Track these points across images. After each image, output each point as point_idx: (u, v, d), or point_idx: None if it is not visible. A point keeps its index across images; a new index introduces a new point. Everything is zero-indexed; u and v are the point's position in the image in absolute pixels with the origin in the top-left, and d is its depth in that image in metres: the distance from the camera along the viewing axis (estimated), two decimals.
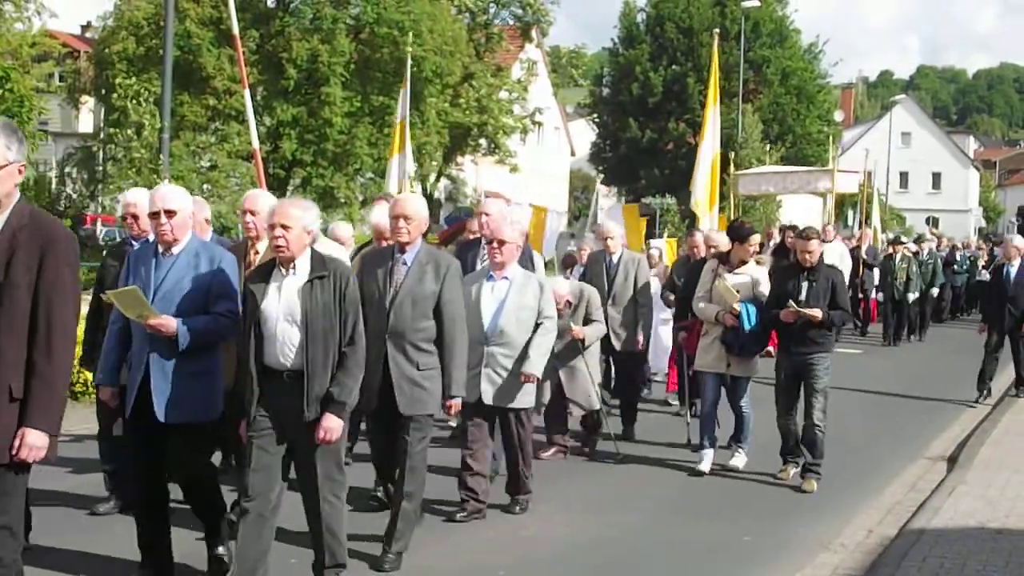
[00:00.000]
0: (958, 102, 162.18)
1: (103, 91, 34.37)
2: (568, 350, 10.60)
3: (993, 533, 8.41)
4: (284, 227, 6.41)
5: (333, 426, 6.45)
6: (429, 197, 43.65)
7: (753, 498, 9.71)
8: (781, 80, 53.21)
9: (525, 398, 8.74)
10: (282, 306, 6.45)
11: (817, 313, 9.99)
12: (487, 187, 38.98)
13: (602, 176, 55.47)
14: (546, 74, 53.33)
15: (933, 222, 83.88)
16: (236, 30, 13.56)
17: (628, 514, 9.13)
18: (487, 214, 10.01)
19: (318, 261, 6.56)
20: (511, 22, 44.52)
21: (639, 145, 51.55)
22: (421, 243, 7.70)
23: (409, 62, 18.22)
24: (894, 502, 9.85)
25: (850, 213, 69.07)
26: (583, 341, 10.63)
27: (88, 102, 40.82)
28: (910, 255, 23.80)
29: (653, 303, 12.84)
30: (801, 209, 38.72)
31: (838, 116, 61.59)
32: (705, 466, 10.58)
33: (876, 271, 24.55)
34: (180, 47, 28.80)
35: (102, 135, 34.90)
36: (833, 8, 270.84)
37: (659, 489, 10.00)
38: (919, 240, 27.86)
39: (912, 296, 23.30)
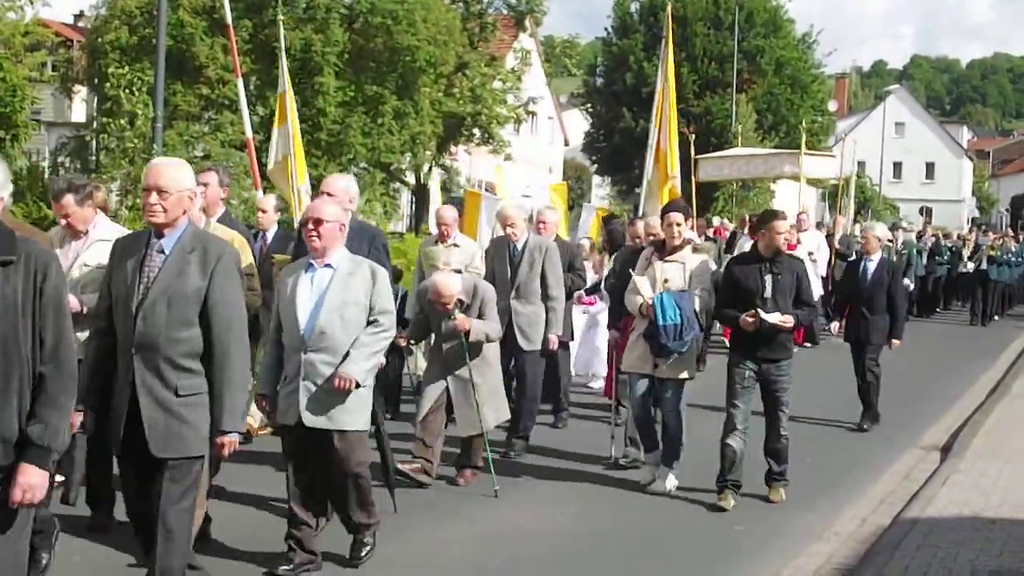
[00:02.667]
0: (952, 92, 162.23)
1: (96, 80, 34.24)
2: (454, 356, 9.34)
3: (987, 522, 8.43)
4: None
5: (34, 483, 4.43)
6: (423, 187, 43.62)
7: (746, 487, 9.73)
8: (775, 70, 53.15)
9: (354, 417, 6.99)
10: None
11: (787, 321, 9.05)
12: (481, 178, 38.93)
13: (595, 166, 55.44)
14: (540, 64, 53.19)
15: (927, 212, 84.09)
16: (229, 19, 13.51)
17: (621, 506, 9.14)
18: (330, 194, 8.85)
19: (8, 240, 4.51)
20: (505, 12, 44.39)
21: (633, 135, 51.40)
22: (187, 225, 5.89)
23: (281, 31, 16.86)
24: (887, 492, 9.88)
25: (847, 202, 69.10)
26: (467, 334, 9.23)
27: (81, 91, 40.66)
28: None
29: (565, 294, 11.40)
30: (795, 197, 38.57)
31: (832, 106, 61.57)
32: (662, 484, 9.50)
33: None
34: (173, 36, 28.69)
35: (95, 124, 34.78)
36: None
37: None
38: (893, 228, 26.60)
39: None
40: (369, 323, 6.99)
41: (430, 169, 41.46)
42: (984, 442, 11.66)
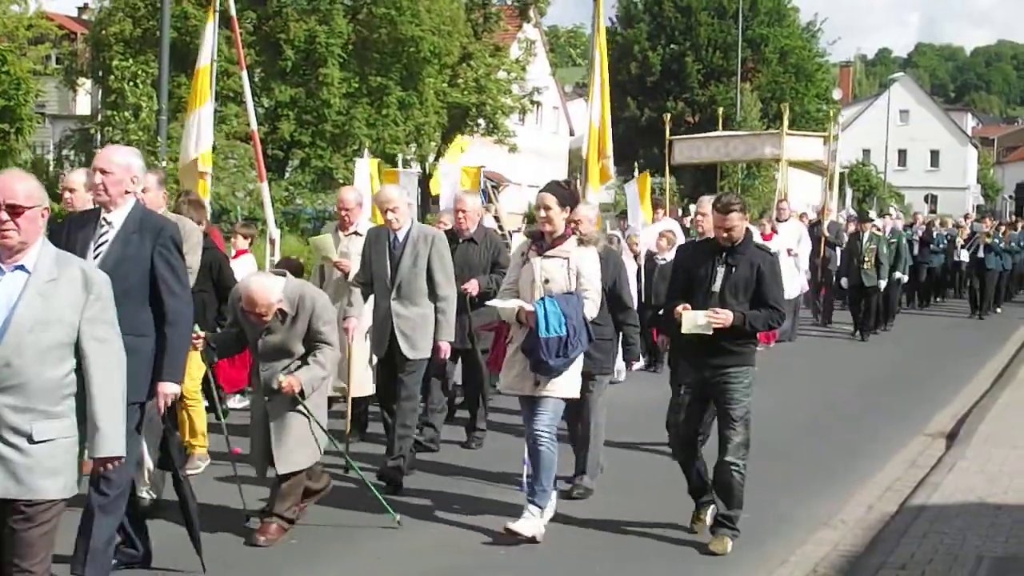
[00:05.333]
0: (956, 79, 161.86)
1: (100, 73, 34.34)
2: (281, 397, 7.50)
3: (993, 508, 8.44)
4: None
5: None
6: (428, 176, 43.62)
7: (753, 475, 9.72)
8: (779, 59, 53.16)
9: (50, 483, 4.78)
10: None
11: (725, 318, 7.40)
12: (488, 170, 38.89)
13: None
14: (544, 54, 53.20)
15: (931, 200, 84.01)
16: (233, 11, 13.54)
17: (625, 493, 9.13)
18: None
19: None
20: (509, 2, 44.40)
21: (638, 124, 51.46)
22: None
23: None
24: (894, 478, 9.88)
25: (849, 192, 69.09)
26: (301, 393, 7.44)
27: (85, 84, 40.74)
28: (879, 234, 20.59)
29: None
30: (801, 185, 38.43)
31: (836, 94, 61.47)
32: (525, 526, 7.63)
33: (838, 251, 21.50)
34: (177, 28, 28.69)
35: (99, 117, 34.85)
36: None
37: (656, 468, 9.91)
38: (881, 216, 25.57)
39: (883, 283, 19.97)
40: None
41: (435, 159, 41.50)
42: (990, 428, 11.66)
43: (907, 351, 18.68)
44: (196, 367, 8.62)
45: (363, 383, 10.30)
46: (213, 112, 13.49)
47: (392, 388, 9.14)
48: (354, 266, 9.76)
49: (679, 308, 7.48)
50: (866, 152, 79.13)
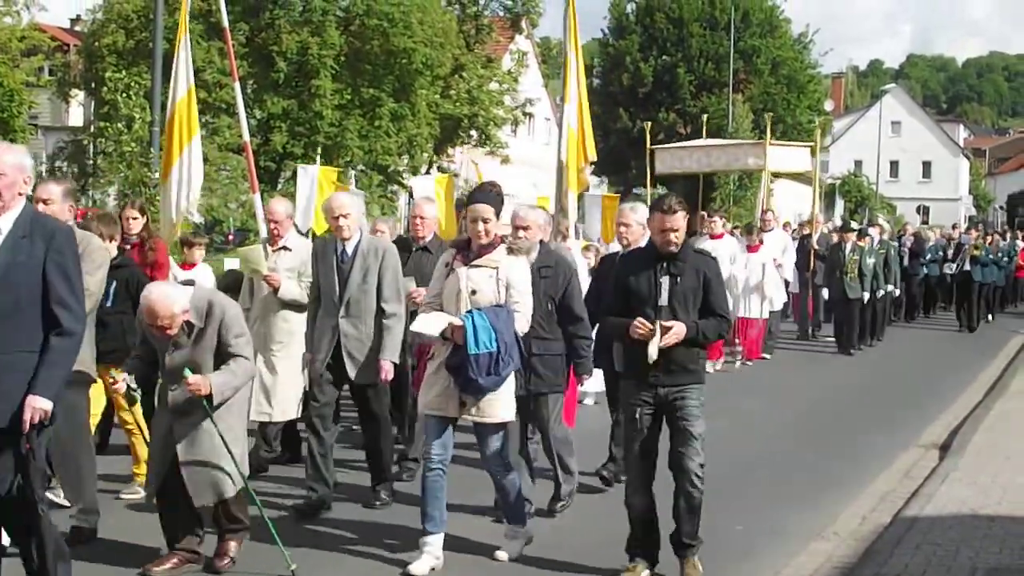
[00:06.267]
0: (948, 91, 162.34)
1: (93, 85, 34.37)
2: (188, 402, 6.78)
3: (986, 520, 8.44)
4: None
5: None
6: None
7: (746, 486, 9.72)
8: (771, 70, 53.26)
9: None
10: None
11: (679, 331, 6.80)
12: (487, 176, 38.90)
13: (593, 167, 55.50)
14: (536, 65, 53.27)
15: (924, 211, 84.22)
16: (226, 23, 13.54)
17: (622, 505, 9.11)
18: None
19: None
20: (501, 13, 44.48)
21: (630, 135, 51.52)
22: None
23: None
24: (887, 490, 9.87)
25: (840, 203, 69.21)
26: (209, 398, 6.70)
27: (78, 96, 40.78)
28: (862, 245, 19.76)
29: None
30: (793, 197, 38.46)
31: (828, 106, 61.69)
32: (418, 567, 7.09)
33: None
34: (170, 40, 28.59)
35: (92, 129, 34.90)
36: None
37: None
38: (870, 225, 24.86)
39: (867, 295, 19.43)
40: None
41: (427, 170, 41.54)
42: (983, 440, 11.67)
43: (899, 363, 18.69)
44: (96, 401, 8.19)
45: (288, 408, 9.53)
46: (201, 144, 12.13)
47: (327, 412, 8.46)
48: (283, 283, 9.28)
49: (640, 329, 6.79)
50: (858, 163, 79.38)
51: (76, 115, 48.02)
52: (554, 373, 8.28)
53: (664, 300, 6.87)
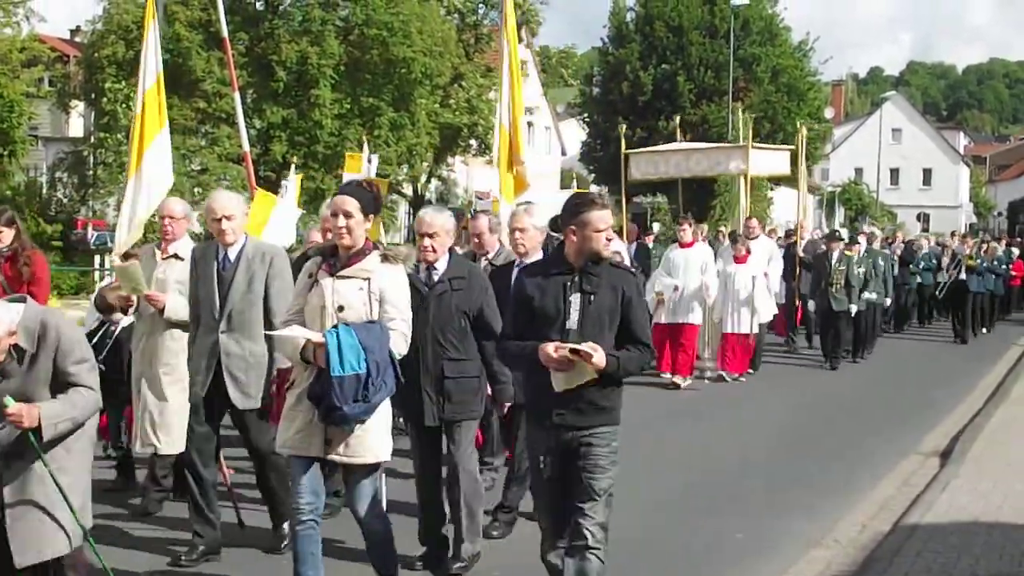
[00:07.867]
0: (948, 98, 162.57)
1: (93, 95, 34.40)
2: (17, 447, 5.38)
3: (987, 527, 8.42)
4: None
5: None
6: (420, 198, 43.69)
7: (745, 494, 9.71)
8: (771, 78, 53.24)
9: None
10: None
11: (599, 360, 5.56)
12: (478, 188, 38.97)
13: (593, 175, 55.56)
14: (536, 74, 53.36)
15: (924, 218, 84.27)
16: (225, 33, 13.54)
17: (621, 513, 9.09)
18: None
19: None
20: (500, 23, 44.64)
21: (630, 144, 51.59)
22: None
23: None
24: (887, 497, 9.86)
25: (841, 210, 69.19)
26: (37, 431, 5.25)
27: (78, 106, 40.82)
28: (850, 254, 18.72)
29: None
30: (790, 204, 38.30)
31: (828, 113, 61.69)
32: None
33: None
34: (169, 50, 28.77)
35: (92, 139, 34.93)
36: (823, 5, 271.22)
37: (651, 488, 9.89)
38: (857, 234, 24.00)
39: (854, 308, 18.38)
40: None
41: (427, 180, 41.63)
42: (984, 447, 11.65)
43: (897, 372, 18.65)
44: None
45: (176, 439, 8.08)
46: (169, 142, 11.22)
47: (207, 447, 7.36)
48: (170, 299, 8.11)
49: (554, 353, 5.58)
50: (858, 171, 79.45)
51: (76, 126, 48.06)
52: (469, 396, 7.18)
53: (574, 323, 5.70)
